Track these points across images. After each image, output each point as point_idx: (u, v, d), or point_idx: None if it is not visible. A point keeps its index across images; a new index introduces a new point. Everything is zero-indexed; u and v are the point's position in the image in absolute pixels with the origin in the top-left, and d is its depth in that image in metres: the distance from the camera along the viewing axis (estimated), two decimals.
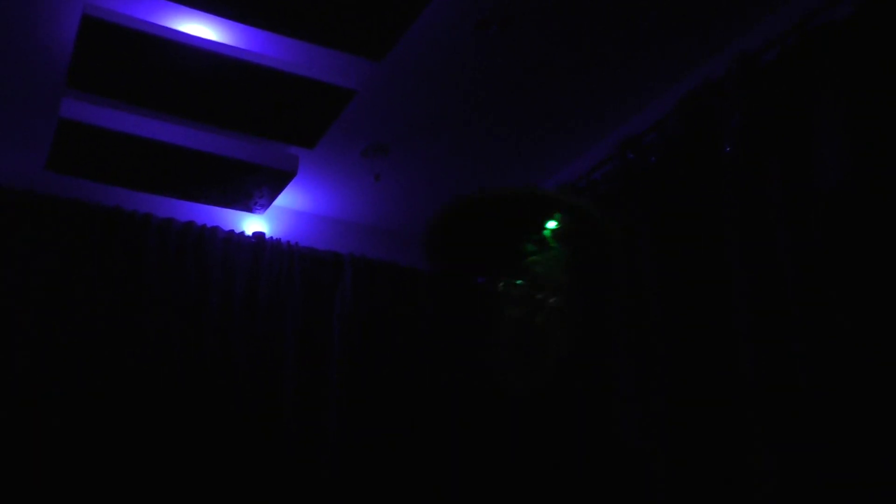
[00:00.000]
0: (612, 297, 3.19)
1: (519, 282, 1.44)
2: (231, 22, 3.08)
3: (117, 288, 3.76)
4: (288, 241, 4.32)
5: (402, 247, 4.69)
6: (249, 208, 4.23)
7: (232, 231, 4.19)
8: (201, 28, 3.17)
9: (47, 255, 3.65)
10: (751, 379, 2.59)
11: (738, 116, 2.84)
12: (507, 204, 1.50)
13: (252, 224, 4.36)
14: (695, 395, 2.84)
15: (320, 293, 4.32)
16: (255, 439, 3.85)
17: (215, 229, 4.14)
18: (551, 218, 1.46)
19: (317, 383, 4.14)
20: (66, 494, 3.36)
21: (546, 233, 1.45)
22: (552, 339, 1.42)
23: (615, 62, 3.34)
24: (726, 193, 2.86)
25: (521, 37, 3.21)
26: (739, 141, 2.84)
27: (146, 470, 3.53)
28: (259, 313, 4.10)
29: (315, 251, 4.40)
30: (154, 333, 3.77)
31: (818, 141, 2.54)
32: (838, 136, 2.47)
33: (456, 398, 4.05)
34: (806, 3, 2.80)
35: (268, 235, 4.30)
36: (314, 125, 3.61)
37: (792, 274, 2.54)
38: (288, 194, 4.29)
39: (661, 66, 3.34)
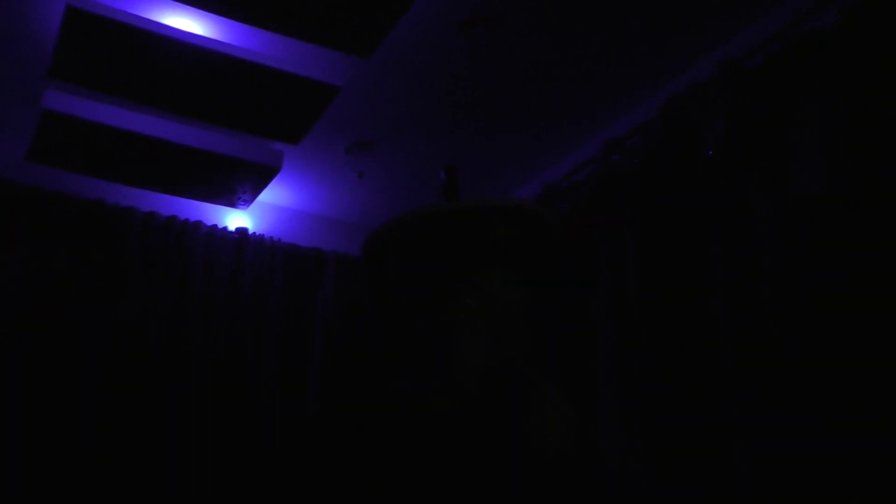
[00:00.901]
0: (596, 297, 3.19)
1: (472, 301, 1.39)
2: (217, 16, 3.07)
3: (98, 281, 3.74)
4: (271, 237, 4.31)
5: None
6: (233, 203, 4.22)
7: (215, 226, 4.18)
8: (187, 22, 3.15)
9: (27, 247, 3.63)
10: (731, 381, 2.61)
11: (721, 121, 2.86)
12: (449, 219, 1.45)
13: (235, 219, 4.34)
14: (673, 394, 2.85)
15: (303, 289, 4.32)
16: (234, 436, 3.83)
17: (198, 224, 4.12)
18: (499, 226, 1.41)
19: (297, 380, 4.14)
20: (45, 484, 3.34)
21: (497, 244, 1.40)
22: (513, 357, 1.38)
23: (600, 65, 3.35)
24: (708, 197, 2.88)
25: (507, 38, 3.22)
26: (722, 145, 2.85)
27: (123, 462, 3.51)
28: (241, 309, 4.09)
29: (298, 247, 4.40)
30: (135, 327, 3.75)
31: (799, 147, 2.56)
32: (819, 142, 2.49)
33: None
34: (791, 11, 2.82)
35: (251, 231, 4.28)
36: (299, 121, 3.60)
37: (772, 277, 2.56)
38: (272, 190, 4.27)
39: (646, 69, 3.36)
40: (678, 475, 2.75)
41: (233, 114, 3.55)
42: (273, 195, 4.38)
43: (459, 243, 1.41)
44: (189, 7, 3.02)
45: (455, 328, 1.39)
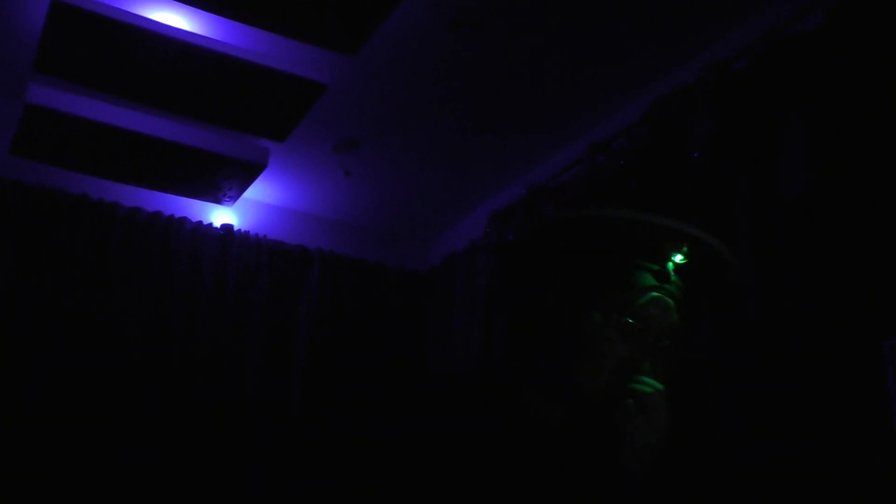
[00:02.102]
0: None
1: (628, 320, 1.31)
2: (204, 12, 3.06)
3: (82, 277, 3.73)
4: (256, 234, 4.30)
5: (372, 243, 4.69)
6: (218, 200, 4.20)
7: (200, 222, 4.16)
8: (173, 17, 3.14)
9: (10, 242, 3.61)
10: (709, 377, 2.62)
11: (707, 124, 2.88)
12: (621, 227, 1.35)
13: (220, 216, 4.33)
14: None
15: (287, 287, 4.31)
16: (217, 432, 3.82)
17: (183, 220, 4.11)
18: (676, 250, 1.33)
19: (281, 377, 4.13)
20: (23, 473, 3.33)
21: (669, 266, 1.32)
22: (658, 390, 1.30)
23: (587, 67, 3.36)
24: (692, 199, 2.89)
25: (495, 38, 3.22)
26: (706, 148, 2.87)
27: (103, 457, 3.50)
28: (225, 305, 4.08)
29: (283, 245, 4.39)
30: (118, 324, 3.74)
31: (783, 150, 2.58)
32: (803, 146, 2.51)
33: (418, 398, 4.05)
34: (776, 14, 2.83)
35: (236, 228, 4.27)
36: (285, 118, 3.59)
37: (754, 279, 2.57)
38: (257, 187, 4.26)
39: (632, 72, 3.36)
40: None
41: (219, 110, 3.54)
42: (259, 192, 4.37)
43: (628, 255, 1.34)
44: (176, 3, 3.01)
45: (594, 341, 1.32)
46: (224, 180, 3.98)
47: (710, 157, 2.86)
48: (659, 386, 1.26)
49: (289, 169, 4.18)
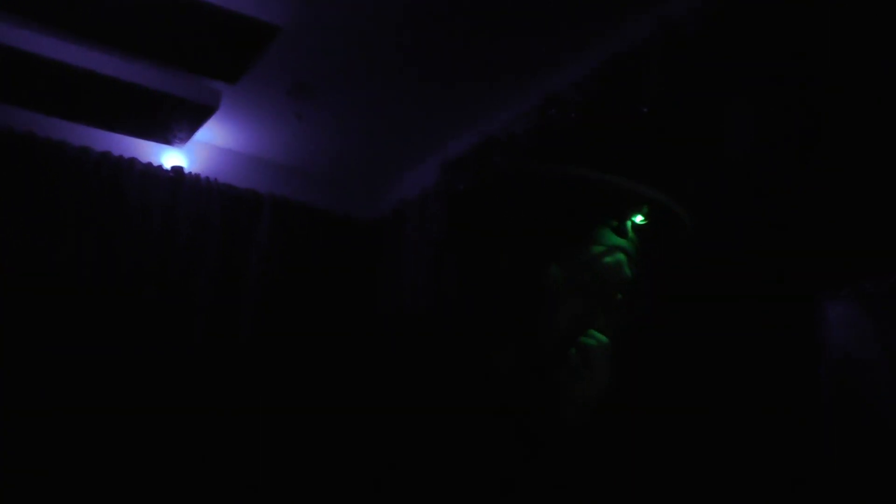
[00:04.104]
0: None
1: (586, 273, 1.32)
2: None
3: (29, 217, 3.67)
4: (207, 177, 4.27)
5: (324, 189, 4.69)
6: (168, 141, 4.16)
7: (150, 164, 4.12)
8: None
9: None
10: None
11: (658, 80, 2.92)
12: (584, 185, 1.36)
13: (171, 157, 4.28)
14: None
15: (238, 231, 4.30)
16: (164, 374, 3.83)
17: (133, 161, 4.06)
18: (636, 210, 1.34)
19: (230, 320, 4.14)
20: None
21: (628, 224, 1.34)
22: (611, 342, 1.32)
23: (541, 18, 3.36)
24: (641, 153, 2.94)
25: None
26: (657, 103, 2.91)
27: (54, 397, 3.50)
28: (175, 248, 4.06)
29: (234, 189, 4.36)
30: (66, 265, 3.70)
31: (732, 110, 2.63)
32: (750, 106, 2.56)
33: (367, 338, 4.10)
34: None
35: (187, 170, 4.23)
36: (237, 60, 3.56)
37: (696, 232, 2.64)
38: (209, 129, 4.22)
39: (586, 25, 3.37)
40: None
41: (169, 50, 3.49)
42: (210, 135, 4.32)
43: (588, 211, 1.36)
44: None
45: (551, 293, 1.34)
46: (174, 121, 3.93)
47: (659, 112, 2.90)
48: (604, 339, 1.30)
49: (241, 112, 4.14)
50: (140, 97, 3.72)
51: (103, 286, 3.78)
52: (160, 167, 4.14)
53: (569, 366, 1.30)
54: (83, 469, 3.49)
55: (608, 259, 1.34)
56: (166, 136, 4.09)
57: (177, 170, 4.18)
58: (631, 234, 1.34)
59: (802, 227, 2.38)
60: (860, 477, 2.22)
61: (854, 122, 2.29)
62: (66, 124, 3.91)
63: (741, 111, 2.60)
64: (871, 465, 2.21)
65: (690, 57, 2.85)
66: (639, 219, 1.35)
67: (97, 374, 3.63)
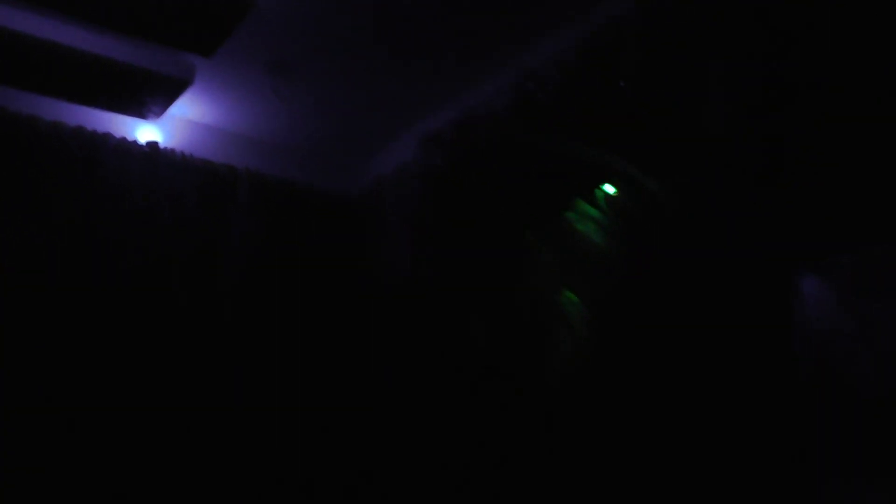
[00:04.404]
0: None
1: (560, 241, 1.36)
2: None
3: (1, 192, 3.62)
4: (182, 152, 4.22)
5: (301, 164, 4.66)
6: (143, 115, 4.11)
7: (124, 138, 4.06)
8: None
9: None
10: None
11: (635, 55, 2.92)
12: (561, 156, 1.41)
13: (145, 132, 4.23)
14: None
15: (215, 206, 4.26)
16: (143, 352, 3.81)
17: (107, 136, 4.00)
18: (609, 182, 1.39)
19: (209, 295, 4.11)
20: None
21: (601, 195, 1.39)
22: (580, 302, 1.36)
23: None
24: (619, 127, 2.95)
25: None
26: (634, 79, 2.91)
27: (31, 372, 3.48)
28: (151, 224, 4.02)
29: (210, 163, 4.32)
30: (41, 240, 3.65)
31: (705, 86, 2.64)
32: (724, 83, 2.57)
33: (348, 318, 4.10)
34: None
35: (162, 145, 4.18)
36: (212, 33, 3.51)
37: (672, 207, 2.66)
38: (184, 103, 4.18)
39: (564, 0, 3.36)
40: None
41: (143, 22, 3.44)
42: (186, 109, 4.28)
43: (564, 182, 1.39)
44: None
45: (526, 259, 1.38)
46: (148, 95, 3.89)
47: (637, 88, 2.90)
48: (576, 300, 1.34)
49: (217, 86, 4.09)
50: (113, 71, 3.67)
51: (79, 263, 3.74)
52: (135, 142, 4.09)
53: (547, 326, 1.34)
54: (62, 449, 3.48)
55: (580, 226, 1.39)
56: (140, 110, 4.04)
57: (152, 144, 4.13)
58: (602, 203, 1.39)
59: (778, 202, 2.40)
60: (836, 447, 2.26)
61: (829, 100, 2.31)
62: (37, 98, 3.85)
63: (717, 86, 2.60)
64: (847, 434, 2.25)
65: (667, 32, 2.85)
66: (609, 189, 1.41)
67: (71, 352, 3.61)
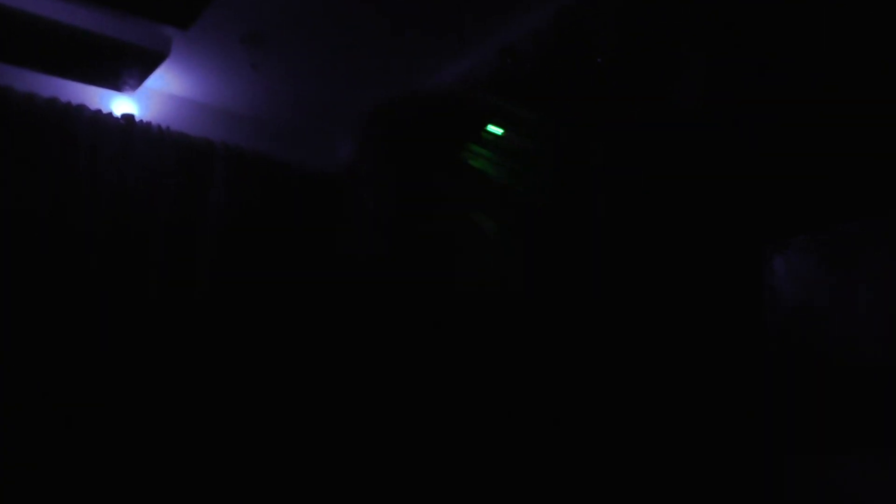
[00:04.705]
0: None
1: (464, 177, 1.42)
2: None
3: None
4: (159, 125, 4.19)
5: (278, 138, 4.64)
6: (118, 88, 4.07)
7: (99, 111, 4.02)
8: None
9: None
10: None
11: (612, 32, 2.92)
12: (448, 105, 1.48)
13: (121, 104, 4.19)
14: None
15: (191, 179, 4.24)
16: (116, 329, 3.79)
17: (81, 107, 3.96)
18: (498, 125, 1.45)
19: (184, 270, 4.10)
20: None
21: (491, 135, 1.44)
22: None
23: None
24: (596, 104, 2.96)
25: None
26: (611, 55, 2.92)
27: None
28: (127, 198, 3.99)
29: (187, 137, 4.28)
30: (15, 214, 3.62)
31: (681, 63, 2.65)
32: (700, 60, 2.58)
33: (324, 294, 4.10)
34: None
35: (138, 117, 4.15)
36: (188, 5, 3.48)
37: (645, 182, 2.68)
38: (161, 76, 4.14)
39: None
40: None
41: None
42: (162, 81, 4.24)
43: (457, 126, 1.48)
44: None
45: (441, 196, 1.45)
46: (123, 67, 3.85)
47: (613, 64, 2.91)
48: (494, 227, 1.40)
49: (193, 59, 4.06)
50: (88, 42, 3.63)
51: (51, 237, 3.71)
52: (110, 114, 4.05)
53: (462, 249, 1.41)
54: (27, 434, 3.46)
55: (475, 163, 1.48)
56: (116, 82, 4.00)
57: (127, 117, 4.10)
58: (490, 140, 1.47)
59: (751, 177, 2.42)
60: (804, 420, 2.30)
61: (801, 73, 2.33)
62: (10, 69, 3.80)
63: (692, 62, 2.62)
64: (817, 407, 2.29)
65: (644, 9, 2.86)
66: (494, 129, 1.49)
67: (43, 326, 3.58)
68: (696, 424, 2.45)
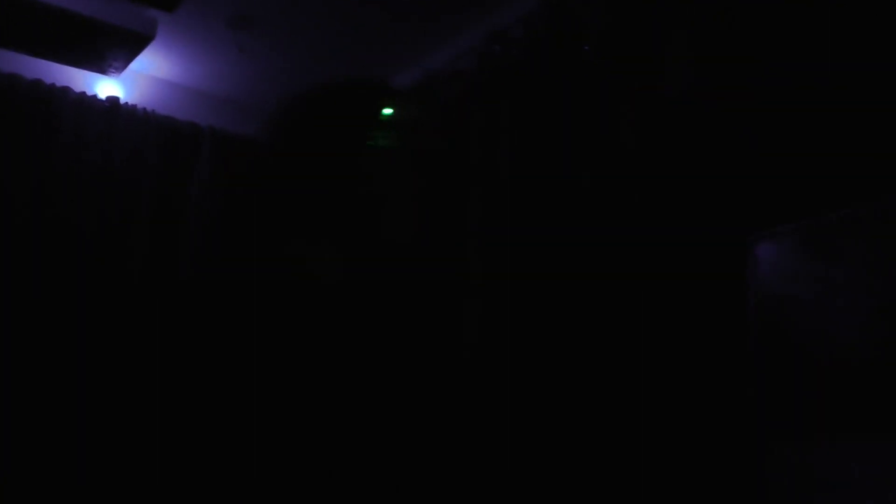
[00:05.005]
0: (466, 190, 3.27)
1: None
2: None
3: None
4: (144, 108, 4.16)
5: (264, 122, 4.61)
6: (103, 70, 4.04)
7: (84, 93, 3.99)
8: None
9: None
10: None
11: (601, 18, 2.91)
12: (340, 94, 1.51)
13: (106, 87, 4.16)
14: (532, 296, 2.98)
15: (177, 164, 4.21)
16: (100, 310, 3.77)
17: (66, 90, 3.93)
18: (385, 105, 1.48)
19: (169, 260, 4.08)
20: None
21: (383, 118, 1.48)
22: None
23: None
24: (584, 91, 2.96)
25: None
26: (599, 42, 2.91)
27: None
28: (111, 181, 3.96)
29: (173, 120, 4.26)
30: None
31: (671, 51, 2.65)
32: (688, 48, 2.58)
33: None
34: None
35: (123, 101, 4.12)
36: None
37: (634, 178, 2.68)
38: (146, 59, 4.11)
39: None
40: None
41: None
42: (148, 65, 4.21)
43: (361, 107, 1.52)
44: None
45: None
46: (108, 50, 3.82)
47: (602, 51, 2.90)
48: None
49: (179, 41, 4.03)
50: (72, 24, 3.59)
51: (35, 222, 3.68)
52: (95, 97, 4.02)
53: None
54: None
55: (371, 143, 1.53)
56: (101, 65, 3.97)
57: (112, 100, 4.07)
58: (382, 121, 1.51)
59: (735, 166, 2.42)
60: (788, 410, 2.30)
61: (791, 61, 2.32)
62: None
63: (680, 50, 2.61)
64: (800, 401, 2.30)
65: None
66: (386, 111, 1.53)
67: (25, 308, 3.56)
68: (675, 413, 2.46)
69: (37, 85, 3.84)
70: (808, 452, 2.27)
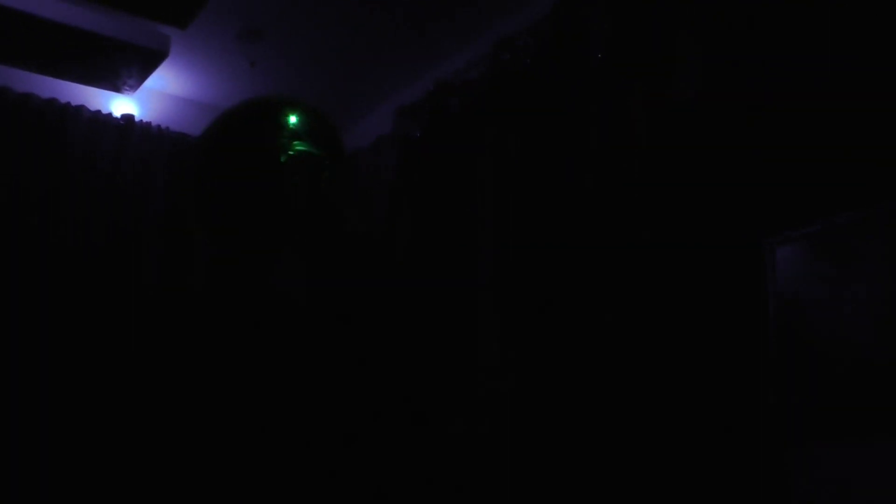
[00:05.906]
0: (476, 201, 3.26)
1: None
2: None
3: None
4: (158, 125, 4.18)
5: None
6: (118, 88, 4.07)
7: (98, 111, 4.02)
8: None
9: None
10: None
11: (610, 24, 2.91)
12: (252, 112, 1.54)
13: (120, 105, 4.19)
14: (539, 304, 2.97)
15: (190, 180, 4.23)
16: (110, 329, 3.78)
17: (80, 108, 3.96)
18: (291, 114, 1.52)
19: (180, 275, 4.09)
20: None
21: (292, 127, 1.51)
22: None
23: None
24: (594, 98, 2.95)
25: None
26: (608, 48, 2.91)
27: None
28: (123, 197, 3.98)
29: (187, 137, 4.28)
30: (9, 218, 3.61)
31: (680, 54, 2.64)
32: (697, 50, 2.57)
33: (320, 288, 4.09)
34: None
35: (137, 118, 4.14)
36: (186, 4, 3.47)
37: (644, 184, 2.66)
38: (160, 76, 4.13)
39: None
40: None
41: None
42: (161, 82, 4.23)
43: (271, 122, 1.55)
44: None
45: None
46: (123, 67, 3.84)
47: (610, 57, 2.90)
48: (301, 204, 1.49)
49: (192, 58, 4.06)
50: (86, 42, 3.62)
51: (51, 238, 3.70)
52: (109, 115, 4.05)
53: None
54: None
55: (284, 156, 1.54)
56: (115, 83, 4.00)
57: (127, 118, 4.10)
58: (288, 129, 1.53)
59: (750, 169, 2.40)
60: (806, 412, 2.28)
61: (800, 63, 2.31)
62: (8, 70, 3.80)
63: (689, 54, 2.60)
64: (817, 402, 2.27)
65: (641, 1, 2.84)
66: (292, 119, 1.55)
67: (39, 324, 3.57)
68: (695, 416, 2.44)
69: (51, 104, 3.86)
70: (832, 454, 2.25)
